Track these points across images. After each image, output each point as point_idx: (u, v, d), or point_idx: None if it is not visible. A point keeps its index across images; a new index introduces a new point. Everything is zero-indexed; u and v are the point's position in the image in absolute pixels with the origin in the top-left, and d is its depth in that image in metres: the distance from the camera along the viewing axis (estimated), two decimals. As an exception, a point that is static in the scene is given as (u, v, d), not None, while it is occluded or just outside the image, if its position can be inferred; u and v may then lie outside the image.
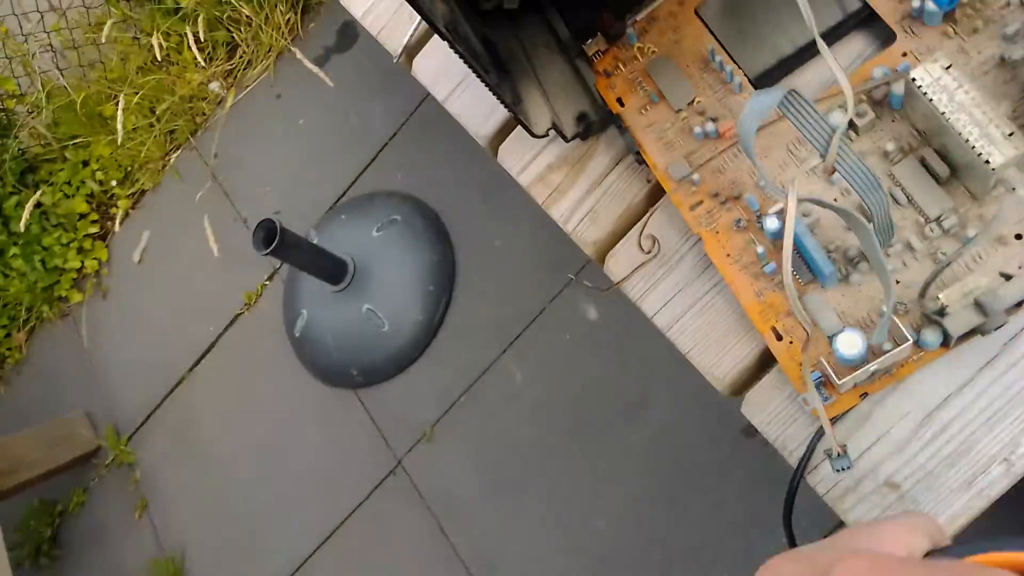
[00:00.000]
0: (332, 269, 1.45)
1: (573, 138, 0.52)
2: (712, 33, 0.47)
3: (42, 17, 1.58)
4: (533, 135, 0.50)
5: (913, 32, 0.41)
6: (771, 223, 0.41)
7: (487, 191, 1.45)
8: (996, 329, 0.35)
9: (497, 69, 0.48)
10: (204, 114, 1.63)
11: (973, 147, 0.34)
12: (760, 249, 0.42)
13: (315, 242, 1.50)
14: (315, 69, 1.41)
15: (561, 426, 1.28)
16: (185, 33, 1.50)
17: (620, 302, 1.29)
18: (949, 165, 0.37)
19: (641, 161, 0.48)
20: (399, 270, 1.46)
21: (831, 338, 0.36)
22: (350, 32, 1.59)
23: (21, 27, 1.58)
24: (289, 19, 1.53)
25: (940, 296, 0.34)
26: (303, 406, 1.55)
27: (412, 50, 0.62)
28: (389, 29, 0.63)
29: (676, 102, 0.46)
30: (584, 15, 0.50)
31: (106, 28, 1.41)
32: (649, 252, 0.47)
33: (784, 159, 0.43)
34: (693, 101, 0.46)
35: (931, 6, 0.38)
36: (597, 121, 0.51)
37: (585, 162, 0.52)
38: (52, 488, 1.75)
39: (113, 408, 1.76)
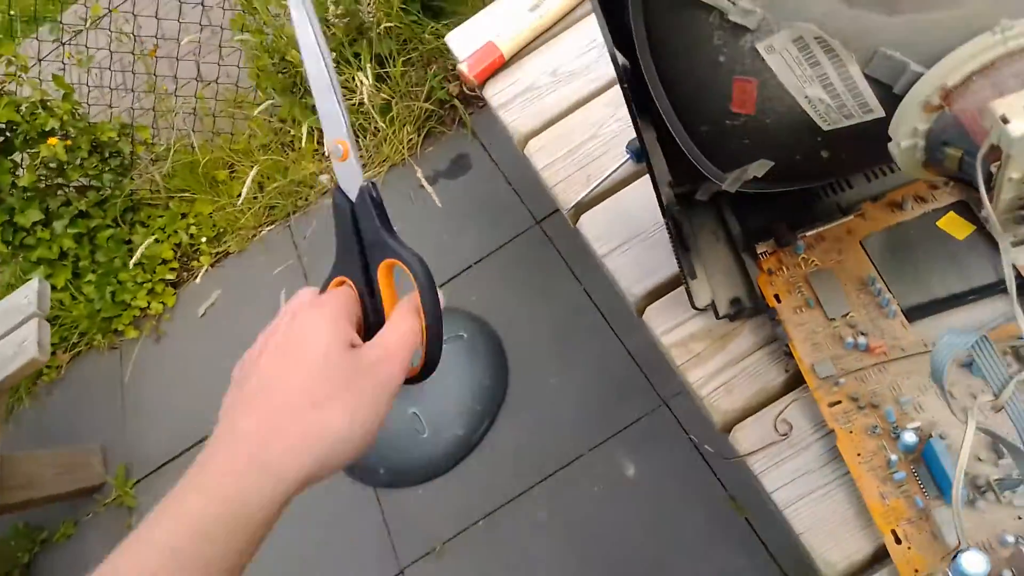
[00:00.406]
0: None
1: (723, 317, 0.59)
2: (873, 263, 0.55)
3: (197, 84, 1.75)
4: (695, 307, 0.57)
5: None
6: (909, 437, 0.46)
7: (555, 332, 1.52)
8: None
9: (681, 243, 0.56)
10: (307, 200, 1.75)
11: None
12: (893, 457, 0.47)
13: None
14: (427, 185, 1.53)
15: (571, 574, 1.28)
16: (315, 127, 1.64)
17: (662, 465, 1.33)
18: None
19: (788, 353, 0.55)
20: (453, 383, 1.51)
21: (956, 555, 0.40)
22: (463, 162, 1.73)
23: (176, 87, 1.74)
24: (411, 139, 1.68)
25: None
26: (318, 492, 1.55)
27: (582, 208, 0.71)
28: (564, 185, 0.72)
29: (831, 311, 0.53)
30: (759, 219, 0.59)
31: (259, 108, 1.55)
32: (784, 435, 0.53)
33: (925, 384, 0.49)
34: (847, 314, 0.53)
35: None
36: (749, 308, 0.58)
37: (728, 340, 0.59)
38: (43, 514, 1.73)
39: (132, 449, 1.77)
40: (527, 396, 1.49)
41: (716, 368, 0.58)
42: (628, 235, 0.67)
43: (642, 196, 0.69)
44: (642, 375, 1.43)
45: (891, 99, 0.42)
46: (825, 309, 0.54)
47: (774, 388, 0.56)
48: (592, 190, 0.70)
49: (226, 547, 0.32)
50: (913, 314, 0.52)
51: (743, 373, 0.57)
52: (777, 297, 0.56)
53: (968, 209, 0.55)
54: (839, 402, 0.50)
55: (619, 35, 0.46)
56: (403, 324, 0.37)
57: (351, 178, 0.39)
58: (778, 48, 0.43)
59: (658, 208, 0.66)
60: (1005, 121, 0.35)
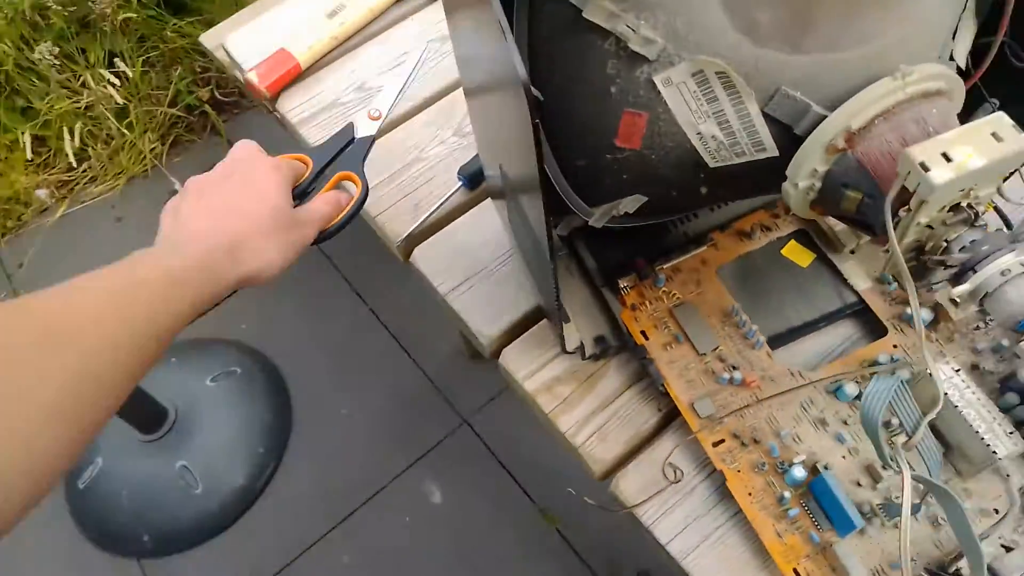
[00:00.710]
0: (147, 415, 1.29)
1: (589, 357, 0.55)
2: (731, 293, 0.54)
3: None
4: (564, 351, 0.53)
5: (902, 331, 0.51)
6: (797, 472, 0.46)
7: (342, 358, 1.41)
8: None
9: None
10: (20, 219, 1.44)
11: (983, 439, 0.42)
12: (785, 494, 0.47)
13: (135, 383, 1.33)
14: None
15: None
16: (24, 132, 1.35)
17: (469, 488, 1.29)
18: (943, 444, 0.46)
19: (660, 392, 0.53)
20: (228, 426, 1.34)
21: None
22: (218, 171, 1.53)
23: None
24: (155, 148, 1.45)
25: (959, 564, 0.41)
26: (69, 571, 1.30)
27: (414, 240, 0.63)
28: (390, 214, 0.64)
29: (701, 346, 0.52)
30: (617, 253, 0.56)
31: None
32: (675, 481, 0.50)
33: (799, 415, 0.50)
34: (716, 348, 0.52)
35: (926, 315, 0.48)
36: (615, 346, 0.55)
37: (595, 381, 0.55)
38: None
39: None
40: (316, 431, 1.36)
41: (586, 413, 0.54)
42: (471, 271, 0.61)
43: (480, 227, 0.63)
44: (440, 395, 1.37)
45: (788, 139, 0.41)
46: (695, 344, 0.52)
47: (647, 430, 0.54)
48: (423, 221, 0.63)
49: (164, 307, 0.35)
50: (773, 343, 0.52)
51: (615, 417, 0.54)
52: (644, 334, 0.53)
53: (808, 237, 0.57)
54: (723, 440, 0.49)
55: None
56: (326, 205, 0.47)
57: (366, 129, 0.53)
58: (676, 81, 0.39)
59: (497, 241, 0.61)
60: (925, 168, 0.34)
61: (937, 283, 0.38)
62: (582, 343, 0.54)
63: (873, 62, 0.38)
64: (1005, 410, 0.46)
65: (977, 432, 0.43)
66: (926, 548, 0.45)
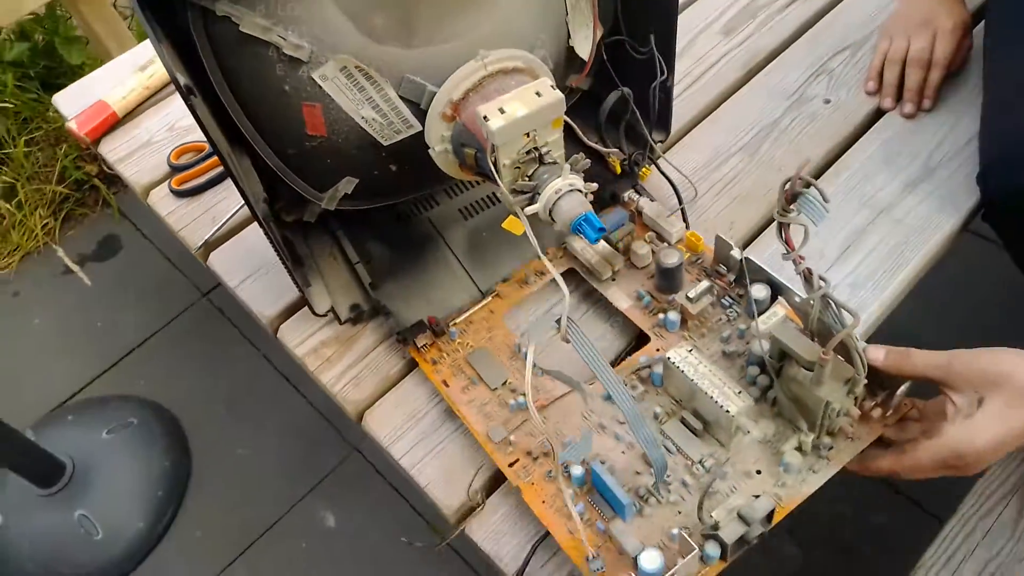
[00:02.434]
0: (44, 469, 1.35)
1: (346, 322, 0.66)
2: (458, 260, 0.66)
3: None
4: (315, 313, 0.64)
5: (661, 336, 0.59)
6: (576, 471, 0.51)
7: (234, 401, 1.48)
8: (758, 538, 0.46)
9: (292, 259, 0.63)
10: None
11: (716, 401, 0.49)
12: (569, 491, 0.50)
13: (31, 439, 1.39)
14: (74, 267, 1.42)
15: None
16: None
17: (361, 509, 1.37)
18: (702, 422, 0.52)
19: (403, 341, 0.64)
20: (126, 474, 1.40)
21: (635, 558, 0.45)
22: (112, 244, 1.63)
23: None
24: (47, 223, 1.55)
25: (712, 514, 0.46)
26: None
27: (211, 246, 0.74)
28: (189, 229, 0.75)
29: (492, 382, 0.58)
30: (377, 247, 0.67)
31: None
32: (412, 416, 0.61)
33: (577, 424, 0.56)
34: (506, 382, 0.58)
35: (673, 317, 0.59)
36: (367, 311, 0.66)
37: (353, 341, 0.66)
38: None
39: None
40: (215, 471, 1.43)
41: (345, 367, 0.65)
42: (257, 266, 0.72)
43: (268, 230, 0.74)
44: (330, 426, 1.45)
45: (422, 115, 0.53)
46: (487, 382, 0.58)
47: (394, 375, 0.64)
48: (217, 230, 0.74)
49: None
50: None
51: (368, 367, 0.65)
52: (446, 383, 0.59)
53: (576, 273, 0.66)
54: (517, 460, 0.53)
55: (193, 67, 0.52)
56: None
57: None
58: (330, 76, 0.52)
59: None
60: (487, 119, 0.47)
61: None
62: (334, 309, 0.65)
63: (466, 51, 0.51)
64: (751, 382, 0.54)
65: (711, 397, 0.49)
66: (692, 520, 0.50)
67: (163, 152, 0.81)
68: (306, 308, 0.68)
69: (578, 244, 0.65)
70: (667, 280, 0.61)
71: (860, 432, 0.51)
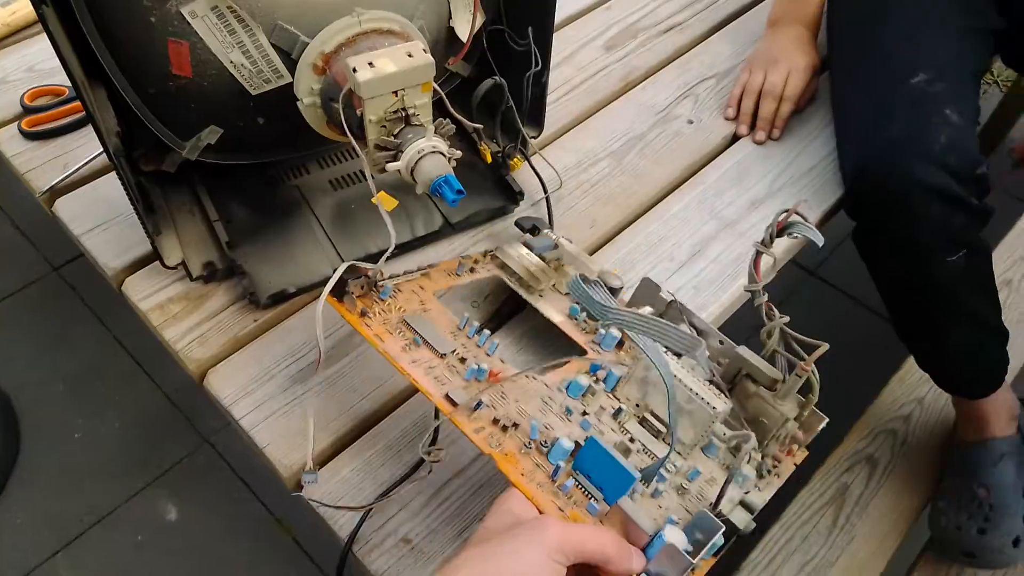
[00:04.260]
0: None
1: (197, 279, 0.64)
2: (323, 229, 0.66)
3: None
4: (165, 265, 0.61)
5: (598, 351, 0.54)
6: (565, 443, 0.45)
7: (77, 383, 1.39)
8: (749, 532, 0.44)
9: (145, 205, 0.60)
10: None
11: (701, 399, 0.46)
12: (560, 464, 0.44)
13: None
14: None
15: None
16: None
17: (206, 504, 1.30)
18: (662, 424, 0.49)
19: (258, 305, 0.62)
20: (-59, 456, 1.27)
21: (654, 536, 0.40)
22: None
23: None
24: None
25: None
26: None
27: (58, 192, 0.70)
28: (38, 172, 0.71)
29: (440, 347, 0.51)
30: (241, 211, 0.66)
31: None
32: (260, 377, 0.59)
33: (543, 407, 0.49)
34: (454, 351, 0.51)
35: (614, 333, 0.54)
36: (221, 270, 0.64)
37: (204, 300, 0.64)
38: None
39: None
40: (47, 457, 1.32)
41: (191, 325, 0.63)
42: (108, 216, 0.68)
43: (125, 182, 0.71)
44: (182, 416, 1.38)
45: (293, 66, 0.53)
46: (434, 346, 0.51)
47: (243, 336, 0.63)
48: (67, 176, 0.70)
49: None
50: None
51: (216, 327, 0.63)
52: (379, 337, 0.52)
53: (503, 283, 0.60)
54: (483, 428, 0.47)
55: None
56: None
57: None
58: (200, 14, 0.51)
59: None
60: (355, 71, 0.48)
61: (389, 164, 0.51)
62: (186, 264, 0.63)
63: (343, 6, 0.52)
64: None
65: (695, 393, 0.47)
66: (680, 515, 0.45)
67: (18, 92, 0.76)
68: (156, 264, 0.65)
69: (513, 252, 0.61)
70: (606, 295, 0.55)
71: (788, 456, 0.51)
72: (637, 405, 0.50)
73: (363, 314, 0.53)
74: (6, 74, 0.77)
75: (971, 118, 0.71)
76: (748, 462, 0.48)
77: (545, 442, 0.46)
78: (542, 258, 0.60)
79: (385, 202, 0.70)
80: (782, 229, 0.47)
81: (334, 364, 0.61)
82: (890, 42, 0.76)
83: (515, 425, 0.47)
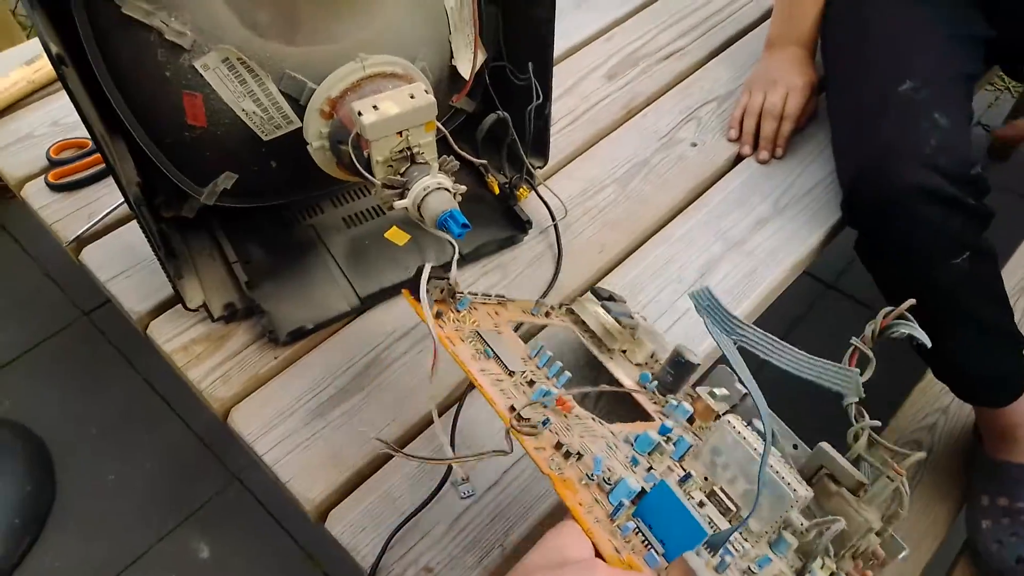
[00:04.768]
0: None
1: (219, 319, 0.66)
2: (339, 266, 0.68)
3: None
4: (187, 308, 0.64)
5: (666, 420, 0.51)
6: (632, 483, 0.41)
7: (109, 425, 1.42)
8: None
9: (166, 251, 0.62)
10: None
11: (784, 480, 0.43)
12: (622, 502, 0.41)
13: None
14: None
15: None
16: None
17: (238, 540, 1.32)
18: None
19: (278, 342, 0.64)
20: (-22, 501, 1.30)
21: None
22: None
23: None
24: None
25: None
26: None
27: (84, 241, 0.73)
28: (64, 222, 0.74)
29: (510, 365, 0.50)
30: (256, 250, 0.68)
31: None
32: (285, 411, 0.61)
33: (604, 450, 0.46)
34: (524, 372, 0.50)
35: (686, 406, 0.51)
36: (241, 310, 0.66)
37: (225, 340, 0.66)
38: None
39: None
40: (82, 499, 1.35)
41: (214, 364, 0.65)
42: (132, 262, 0.71)
43: (147, 229, 0.74)
44: (211, 454, 1.41)
45: (302, 111, 0.55)
46: (504, 362, 0.50)
47: (264, 374, 0.64)
48: (92, 225, 0.73)
49: None
50: (369, 301, 0.66)
51: (238, 365, 0.65)
52: (451, 340, 0.51)
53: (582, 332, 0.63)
54: (543, 449, 0.44)
55: (72, 45, 0.52)
56: None
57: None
58: (212, 67, 0.53)
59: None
60: (360, 114, 0.50)
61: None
62: (207, 306, 0.65)
63: (346, 53, 0.54)
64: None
65: (777, 473, 0.43)
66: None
67: (43, 147, 0.79)
68: (179, 306, 0.67)
69: (591, 308, 0.60)
70: (678, 374, 0.56)
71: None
72: (705, 479, 0.46)
73: (437, 315, 0.52)
74: (32, 129, 0.81)
75: (961, 121, 0.72)
76: (822, 568, 0.44)
77: (608, 479, 0.43)
78: (618, 321, 0.60)
79: (397, 238, 0.72)
80: (885, 329, 0.46)
81: (350, 398, 0.63)
82: (876, 54, 0.78)
83: (578, 455, 0.43)
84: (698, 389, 0.53)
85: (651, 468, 0.45)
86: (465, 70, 0.64)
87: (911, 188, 0.66)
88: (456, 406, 0.60)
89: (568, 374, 0.51)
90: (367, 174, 0.53)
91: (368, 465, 0.59)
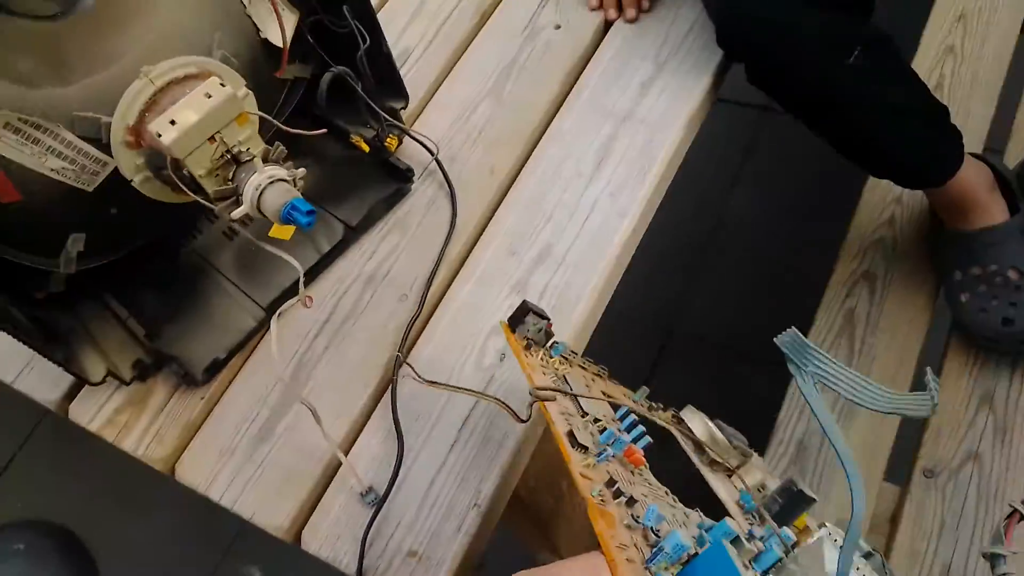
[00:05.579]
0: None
1: (131, 381, 0.63)
2: (232, 283, 0.64)
3: None
4: (90, 383, 0.60)
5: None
6: (684, 537, 0.36)
7: (123, 491, 1.42)
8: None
9: (49, 338, 0.59)
10: None
11: None
12: (663, 553, 0.36)
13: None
14: None
15: None
16: None
17: (282, 554, 1.33)
18: None
19: (204, 382, 0.61)
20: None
21: None
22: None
23: None
24: None
25: None
26: None
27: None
28: None
29: (586, 408, 0.48)
30: (148, 301, 0.64)
31: None
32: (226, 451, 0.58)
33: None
34: (598, 420, 0.47)
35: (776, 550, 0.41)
36: (151, 364, 0.63)
37: (147, 399, 0.63)
38: None
39: None
40: (124, 567, 1.37)
41: (144, 427, 0.62)
42: (29, 353, 0.67)
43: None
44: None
45: (109, 149, 0.50)
46: (580, 403, 0.48)
47: (196, 419, 0.62)
48: None
49: None
50: (274, 305, 0.63)
51: (168, 420, 0.62)
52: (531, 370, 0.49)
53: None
54: (591, 478, 0.41)
55: None
56: None
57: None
58: (-5, 137, 0.48)
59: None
60: (160, 136, 0.45)
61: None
62: (110, 371, 0.61)
63: (130, 71, 0.48)
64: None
65: None
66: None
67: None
68: (93, 381, 0.64)
69: (701, 420, 0.56)
70: (788, 505, 0.49)
71: None
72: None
73: (527, 347, 0.50)
74: None
75: None
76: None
77: (657, 531, 0.38)
78: (729, 442, 0.55)
79: (281, 233, 0.68)
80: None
81: (287, 412, 0.60)
82: None
83: (631, 500, 0.39)
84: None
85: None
86: (276, 38, 0.59)
87: (780, 3, 0.61)
88: (390, 387, 0.58)
89: (649, 440, 0.46)
90: (196, 195, 0.49)
91: (324, 473, 0.57)
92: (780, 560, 0.40)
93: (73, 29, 0.48)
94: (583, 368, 0.54)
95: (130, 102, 0.48)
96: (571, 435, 0.43)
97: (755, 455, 0.56)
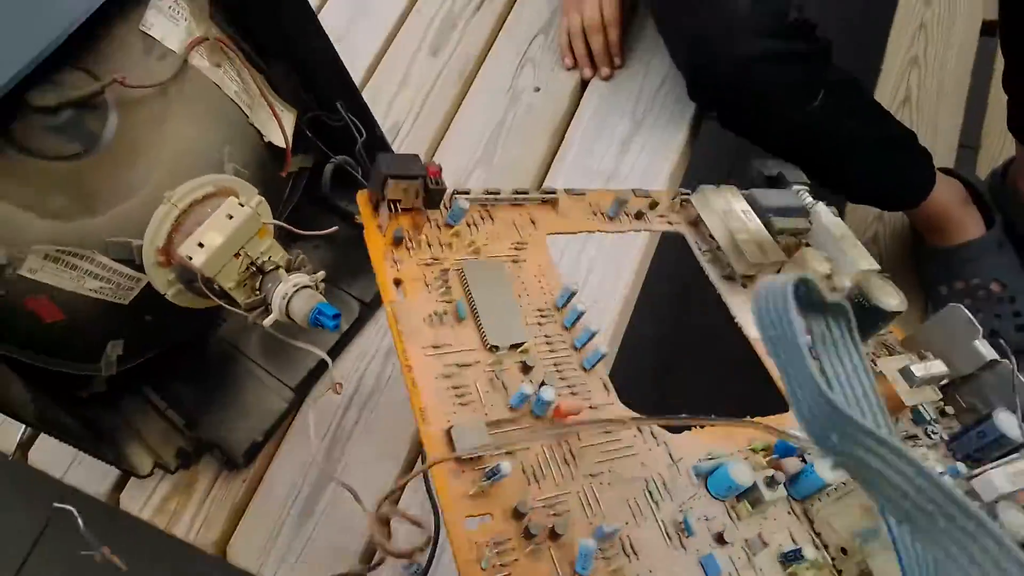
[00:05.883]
0: None
1: (177, 469, 0.67)
2: (261, 367, 0.68)
3: None
4: (140, 476, 0.64)
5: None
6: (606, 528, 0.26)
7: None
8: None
9: (97, 437, 0.63)
10: None
11: None
12: None
13: None
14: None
15: None
16: None
17: None
18: None
19: (235, 468, 0.65)
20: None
21: None
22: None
23: None
24: None
25: None
26: None
27: (26, 445, 0.73)
28: (2, 430, 0.74)
29: (494, 336, 0.35)
30: (181, 387, 0.68)
31: None
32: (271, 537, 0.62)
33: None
34: (522, 345, 0.34)
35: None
36: (192, 451, 0.67)
37: (193, 484, 0.67)
38: None
39: None
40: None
41: (193, 513, 0.66)
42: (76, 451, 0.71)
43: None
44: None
45: (142, 268, 0.55)
46: (485, 330, 0.34)
47: (240, 501, 0.66)
48: (26, 428, 0.73)
49: None
50: (302, 390, 0.66)
51: (214, 504, 0.66)
52: (398, 283, 0.40)
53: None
54: (487, 515, 0.29)
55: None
56: None
57: None
58: (38, 268, 0.52)
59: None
60: (191, 259, 0.49)
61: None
62: (158, 462, 0.66)
63: (153, 197, 0.53)
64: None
65: None
66: None
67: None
68: (136, 474, 0.69)
69: (720, 203, 0.39)
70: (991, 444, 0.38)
71: None
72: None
73: (397, 241, 0.35)
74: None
75: None
76: None
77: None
78: (769, 227, 0.37)
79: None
80: None
81: (327, 487, 0.64)
82: None
83: (552, 534, 0.26)
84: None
85: (724, 541, 0.27)
86: (279, 140, 0.63)
87: (740, 60, 0.66)
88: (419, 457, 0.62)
89: (603, 352, 0.32)
90: (228, 305, 0.53)
91: (367, 548, 0.61)
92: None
93: (96, 165, 0.53)
94: (512, 218, 0.33)
95: (157, 226, 0.53)
96: (450, 437, 0.29)
97: (823, 211, 0.40)
